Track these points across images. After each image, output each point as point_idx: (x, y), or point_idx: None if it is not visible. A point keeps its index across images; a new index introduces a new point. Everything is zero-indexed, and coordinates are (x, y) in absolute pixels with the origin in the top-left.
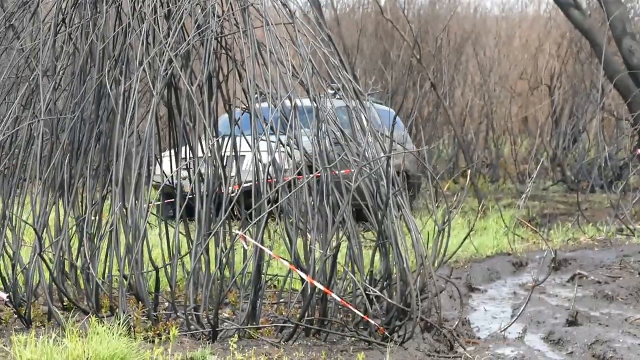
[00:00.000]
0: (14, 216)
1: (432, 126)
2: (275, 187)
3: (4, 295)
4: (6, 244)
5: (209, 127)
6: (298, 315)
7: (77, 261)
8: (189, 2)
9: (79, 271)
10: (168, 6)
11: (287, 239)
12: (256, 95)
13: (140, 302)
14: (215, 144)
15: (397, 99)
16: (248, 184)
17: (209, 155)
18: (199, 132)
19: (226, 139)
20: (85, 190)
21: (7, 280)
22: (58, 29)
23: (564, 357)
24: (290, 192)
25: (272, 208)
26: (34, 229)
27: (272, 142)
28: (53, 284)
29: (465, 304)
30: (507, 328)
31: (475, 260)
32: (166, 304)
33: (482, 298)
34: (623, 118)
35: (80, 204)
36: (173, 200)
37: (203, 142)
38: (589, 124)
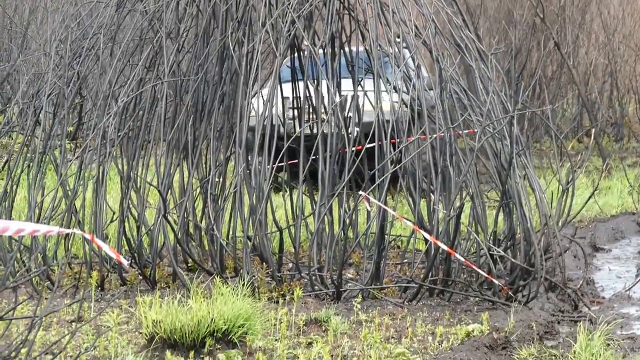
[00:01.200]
0: (138, 178)
1: (556, 85)
2: (398, 147)
3: (125, 262)
4: (131, 205)
5: (332, 88)
6: (422, 276)
7: (201, 222)
8: None
9: (203, 232)
10: None
11: (410, 199)
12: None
13: (264, 263)
14: (339, 105)
15: (520, 59)
16: (371, 145)
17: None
18: (321, 92)
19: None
20: (209, 151)
21: (132, 242)
22: None
23: None
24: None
25: (395, 168)
26: (159, 191)
27: (395, 102)
28: (177, 245)
29: (590, 264)
30: (632, 287)
31: (600, 219)
32: (290, 264)
33: (606, 258)
34: None
35: (204, 165)
36: (297, 161)
37: (325, 103)
38: None
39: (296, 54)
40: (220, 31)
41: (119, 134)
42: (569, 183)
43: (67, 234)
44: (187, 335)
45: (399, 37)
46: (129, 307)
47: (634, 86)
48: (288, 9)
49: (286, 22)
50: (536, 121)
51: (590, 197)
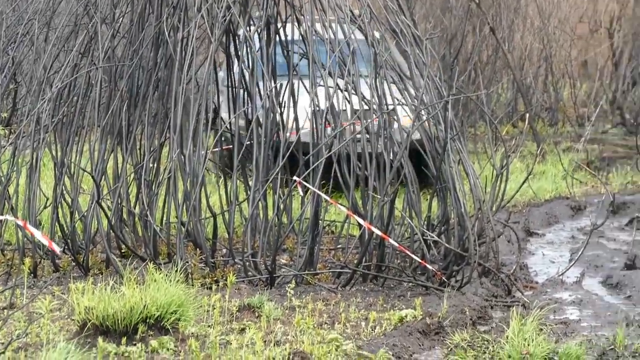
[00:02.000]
0: (72, 164)
1: (491, 70)
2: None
3: (57, 248)
4: (65, 192)
5: (267, 74)
6: (355, 261)
7: (135, 208)
8: None
9: (137, 218)
10: None
11: (344, 184)
12: None
13: (198, 249)
14: (273, 90)
15: (456, 44)
16: (305, 131)
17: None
18: (257, 78)
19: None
20: (143, 137)
21: (65, 228)
22: None
23: (622, 301)
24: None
25: (329, 154)
26: (92, 177)
27: (330, 87)
28: (111, 231)
29: (523, 249)
30: (565, 272)
31: (534, 204)
32: (224, 250)
33: (540, 242)
34: None
35: (138, 151)
36: (231, 147)
37: (261, 88)
38: None
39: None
40: (156, 17)
41: (53, 119)
42: (503, 168)
43: (0, 221)
44: (119, 321)
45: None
46: (62, 293)
47: (569, 71)
48: None
49: (222, 7)
50: (471, 106)
51: (524, 182)
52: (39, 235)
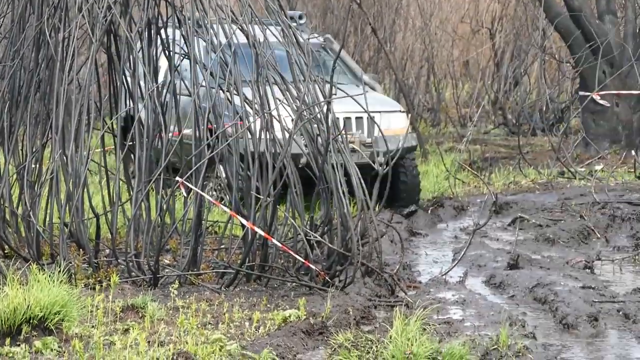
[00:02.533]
0: None
1: (373, 71)
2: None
3: None
4: None
5: (148, 74)
6: (239, 261)
7: (17, 209)
8: None
9: (19, 219)
10: None
11: (227, 185)
12: None
13: (81, 250)
14: (155, 90)
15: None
16: (188, 131)
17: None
18: (139, 78)
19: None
20: (25, 138)
21: None
22: None
23: (505, 301)
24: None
25: (212, 154)
26: None
27: (212, 88)
28: None
29: (406, 249)
30: (448, 272)
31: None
32: (107, 251)
33: (423, 242)
34: (564, 60)
35: (20, 151)
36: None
37: (143, 89)
38: (531, 67)
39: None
40: (37, 17)
41: None
42: (386, 168)
43: None
44: (3, 322)
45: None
46: None
47: (451, 71)
48: None
49: (102, 7)
50: None
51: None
52: None
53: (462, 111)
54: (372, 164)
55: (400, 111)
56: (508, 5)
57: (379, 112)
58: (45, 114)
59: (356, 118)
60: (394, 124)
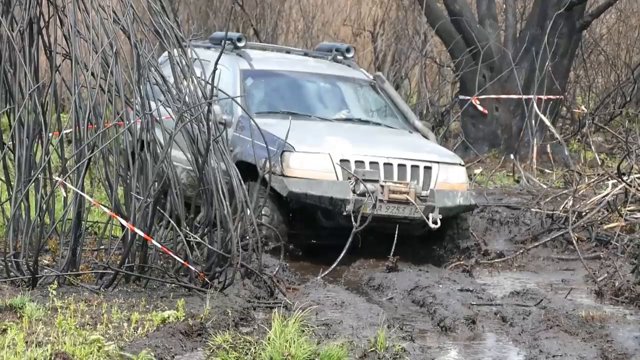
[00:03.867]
0: None
1: None
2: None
3: None
4: None
5: (29, 74)
6: (118, 262)
7: None
8: None
9: None
10: None
11: (107, 185)
12: None
13: None
14: (36, 90)
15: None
16: (68, 131)
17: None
18: (20, 78)
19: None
20: None
21: None
22: None
23: (384, 303)
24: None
25: (92, 154)
26: None
27: (93, 89)
28: None
29: (287, 251)
30: (326, 274)
31: None
32: None
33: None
34: (445, 64)
35: None
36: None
37: (23, 89)
38: (411, 70)
39: None
40: None
41: None
42: (266, 171)
43: None
44: None
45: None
46: None
47: None
48: None
49: None
50: None
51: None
52: None
53: None
54: (427, 220)
55: (459, 164)
56: (390, 9)
57: (437, 162)
58: None
59: (412, 166)
60: (452, 177)
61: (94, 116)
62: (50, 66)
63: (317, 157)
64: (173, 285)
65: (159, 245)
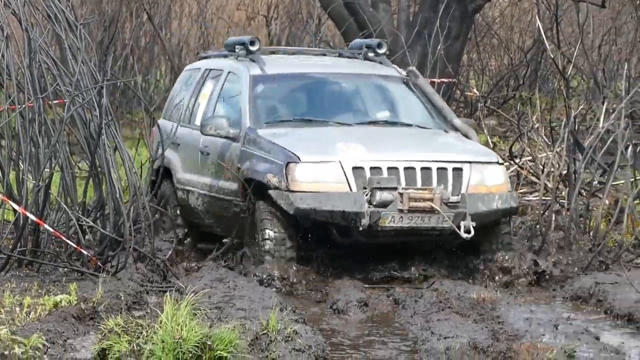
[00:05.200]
0: None
1: (149, 57)
2: None
3: None
4: None
5: None
6: (10, 247)
7: None
8: None
9: None
10: None
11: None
12: None
13: None
14: None
15: (113, 29)
16: None
17: None
18: None
19: None
20: None
21: None
22: None
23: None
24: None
25: None
26: None
27: None
28: None
29: (177, 236)
30: (219, 256)
31: None
32: None
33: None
34: (338, 47)
35: None
36: None
37: None
38: None
39: None
40: None
41: None
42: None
43: None
44: None
45: None
46: None
47: None
48: None
49: None
50: (129, 92)
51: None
52: None
53: None
54: (457, 230)
55: (497, 163)
56: None
57: (469, 162)
58: None
59: (438, 169)
60: (489, 179)
61: None
62: None
63: (326, 167)
64: (66, 269)
65: (52, 230)
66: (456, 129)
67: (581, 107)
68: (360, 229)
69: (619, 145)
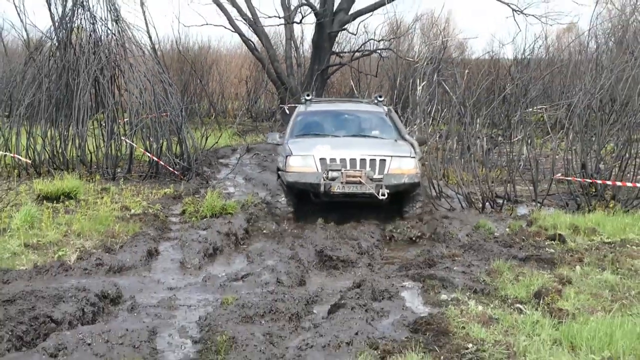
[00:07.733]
0: None
1: (200, 96)
2: None
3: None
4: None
5: (111, 97)
6: (146, 170)
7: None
8: None
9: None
10: None
11: None
12: None
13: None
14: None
15: (185, 83)
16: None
17: None
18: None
19: None
20: None
21: (32, 155)
22: None
23: (253, 185)
24: None
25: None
26: None
27: None
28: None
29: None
30: (228, 175)
31: (215, 149)
32: None
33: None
34: (276, 93)
35: None
36: None
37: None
38: (260, 98)
39: None
40: None
41: None
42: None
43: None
44: (53, 194)
45: None
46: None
47: None
48: None
49: None
50: (192, 109)
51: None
52: (21, 158)
53: None
54: (376, 194)
55: (410, 157)
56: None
57: (392, 156)
58: None
59: (370, 159)
60: (404, 165)
61: None
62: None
63: (305, 158)
64: (167, 179)
65: (162, 163)
66: (404, 140)
67: None
68: (322, 193)
69: None
